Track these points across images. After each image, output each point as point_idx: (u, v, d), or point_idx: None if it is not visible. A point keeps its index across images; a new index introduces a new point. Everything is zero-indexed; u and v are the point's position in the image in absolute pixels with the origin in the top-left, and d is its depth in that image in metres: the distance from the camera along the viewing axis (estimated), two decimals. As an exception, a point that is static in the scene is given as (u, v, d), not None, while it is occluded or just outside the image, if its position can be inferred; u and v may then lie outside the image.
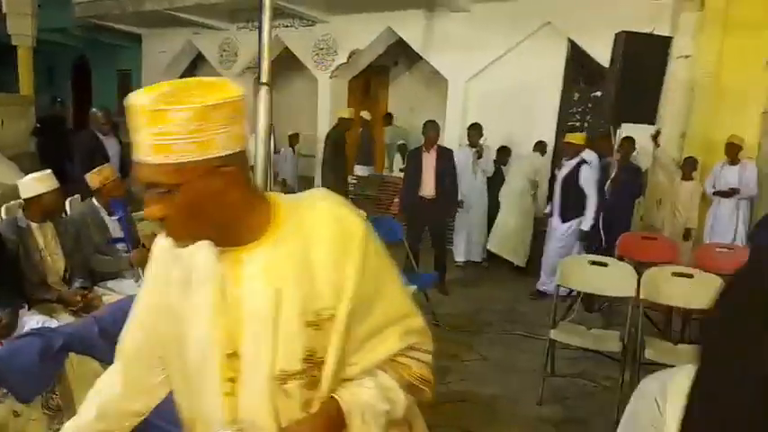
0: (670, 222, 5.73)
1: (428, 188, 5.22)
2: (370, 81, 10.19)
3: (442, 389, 3.49)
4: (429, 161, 5.23)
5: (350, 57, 8.51)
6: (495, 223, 6.17)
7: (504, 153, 6.64)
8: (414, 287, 3.97)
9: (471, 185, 6.08)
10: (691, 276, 3.21)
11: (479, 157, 6.11)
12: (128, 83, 12.19)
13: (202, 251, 0.98)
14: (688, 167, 5.59)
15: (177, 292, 1.01)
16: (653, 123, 4.67)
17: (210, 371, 0.99)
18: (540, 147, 6.39)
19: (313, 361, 0.97)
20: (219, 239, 0.96)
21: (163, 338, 1.06)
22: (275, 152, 7.69)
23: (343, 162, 7.00)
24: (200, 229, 0.92)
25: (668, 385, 1.53)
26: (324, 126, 8.52)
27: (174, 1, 8.70)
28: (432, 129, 5.20)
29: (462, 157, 6.06)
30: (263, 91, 2.91)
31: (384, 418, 1.01)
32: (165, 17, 9.22)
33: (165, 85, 0.87)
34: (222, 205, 0.90)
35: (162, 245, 1.05)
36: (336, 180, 6.80)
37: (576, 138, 5.18)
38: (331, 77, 8.79)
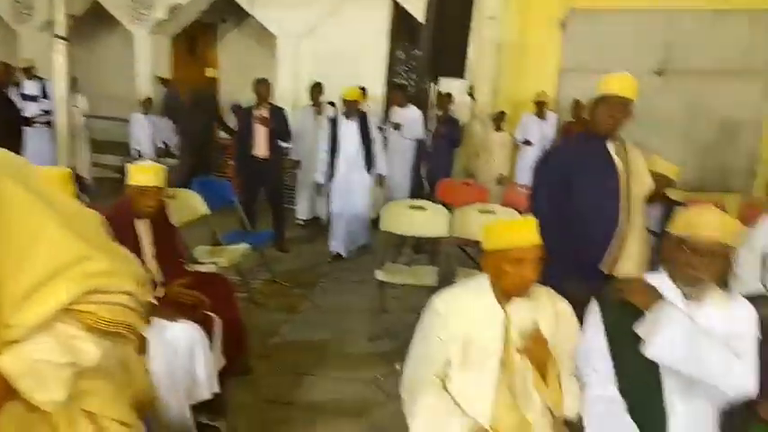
0: (486, 170, 6.37)
1: (260, 148, 5.14)
2: (197, 39, 9.60)
3: (277, 340, 3.58)
4: (261, 119, 5.15)
5: (170, 12, 7.90)
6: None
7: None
8: (246, 245, 3.95)
9: (313, 144, 6.10)
10: (493, 212, 3.65)
11: (320, 114, 6.16)
12: None
13: None
14: (498, 120, 6.23)
15: None
16: (462, 77, 5.08)
17: None
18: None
19: None
20: None
21: None
22: (91, 116, 7.01)
23: (201, 127, 6.59)
24: None
25: (451, 302, 1.78)
26: (144, 87, 7.88)
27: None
28: (262, 86, 5.10)
29: (302, 115, 6.07)
30: (60, 46, 2.62)
31: (68, 370, 0.95)
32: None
33: None
34: None
35: None
36: (192, 150, 6.47)
37: (353, 94, 5.01)
38: (151, 34, 8.10)
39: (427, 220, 3.77)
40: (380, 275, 3.58)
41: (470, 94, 6.16)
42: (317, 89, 6.05)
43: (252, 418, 2.71)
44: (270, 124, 5.08)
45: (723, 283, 1.78)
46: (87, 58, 8.45)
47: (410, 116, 6.04)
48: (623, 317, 1.64)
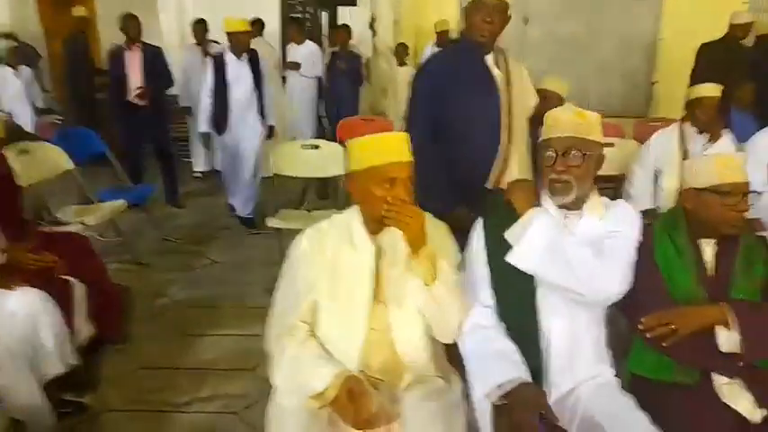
0: (393, 107, 6.12)
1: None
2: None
3: (165, 301, 3.27)
4: (134, 61, 4.58)
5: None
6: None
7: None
8: (121, 202, 3.54)
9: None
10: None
11: (207, 55, 5.60)
12: None
13: None
14: (401, 54, 5.94)
15: None
16: (354, 5, 4.73)
17: None
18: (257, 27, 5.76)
19: None
20: None
21: None
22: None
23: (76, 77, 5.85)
24: None
25: (312, 239, 1.55)
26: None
27: None
28: (129, 23, 4.50)
29: (189, 56, 5.52)
30: None
31: None
32: None
33: None
34: None
35: None
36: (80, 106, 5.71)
37: (237, 24, 4.18)
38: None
39: (322, 160, 3.51)
40: (272, 222, 3.31)
41: (371, 27, 5.81)
42: (200, 26, 5.48)
43: (127, 389, 2.43)
44: (146, 67, 4.54)
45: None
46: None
47: (308, 53, 5.65)
48: (503, 231, 1.53)
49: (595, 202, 1.56)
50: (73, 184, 3.55)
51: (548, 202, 1.55)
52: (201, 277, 3.61)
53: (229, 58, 4.24)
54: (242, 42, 4.22)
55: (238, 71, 4.25)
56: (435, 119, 2.03)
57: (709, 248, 1.63)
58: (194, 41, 5.54)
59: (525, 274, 1.49)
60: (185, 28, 6.04)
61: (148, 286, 3.38)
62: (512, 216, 1.54)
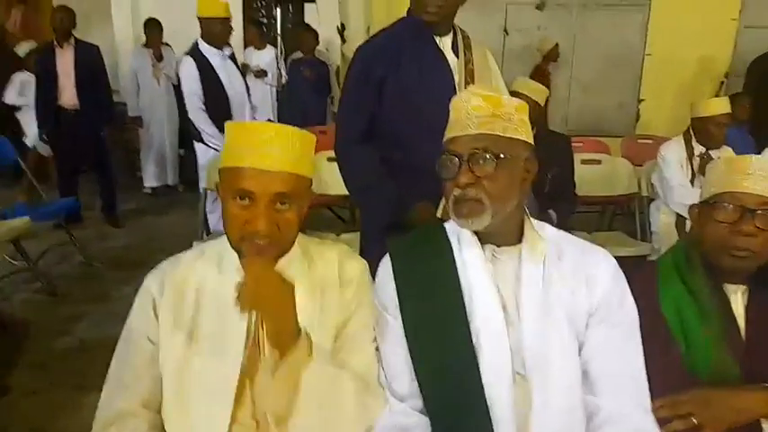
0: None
1: (68, 96, 4.09)
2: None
3: (67, 341, 2.71)
4: (65, 61, 4.08)
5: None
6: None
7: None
8: (24, 219, 3.00)
9: (154, 95, 5.11)
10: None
11: (160, 59, 5.13)
12: None
13: None
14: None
15: None
16: (313, 1, 4.30)
17: None
18: None
19: None
20: None
21: None
22: None
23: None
24: None
25: (166, 279, 1.03)
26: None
27: None
28: (59, 16, 4.00)
29: (139, 60, 5.03)
30: None
31: None
32: None
33: None
34: None
35: None
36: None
37: (217, 8, 3.25)
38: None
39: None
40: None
41: (341, 33, 5.38)
42: (154, 28, 5.01)
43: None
44: (79, 67, 4.05)
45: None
46: None
47: (270, 60, 5.17)
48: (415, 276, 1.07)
49: (533, 235, 1.06)
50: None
51: (466, 231, 1.06)
52: (119, 311, 3.05)
53: (211, 52, 3.26)
54: (223, 32, 3.29)
55: (227, 69, 3.34)
56: (371, 115, 1.57)
57: (738, 297, 1.17)
58: (142, 43, 5.07)
59: (456, 319, 1.01)
60: (140, 29, 5.57)
61: (53, 322, 2.83)
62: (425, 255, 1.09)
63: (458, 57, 1.61)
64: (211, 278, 1.05)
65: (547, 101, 2.56)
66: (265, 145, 0.94)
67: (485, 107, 1.00)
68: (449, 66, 1.58)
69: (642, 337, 1.04)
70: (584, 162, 3.09)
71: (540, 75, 5.28)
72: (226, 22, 3.30)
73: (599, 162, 3.20)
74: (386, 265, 1.10)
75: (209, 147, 3.23)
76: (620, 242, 3.01)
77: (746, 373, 1.07)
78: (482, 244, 1.05)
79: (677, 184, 2.70)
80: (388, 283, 1.08)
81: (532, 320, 0.99)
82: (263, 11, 5.80)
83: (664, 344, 1.09)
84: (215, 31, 3.24)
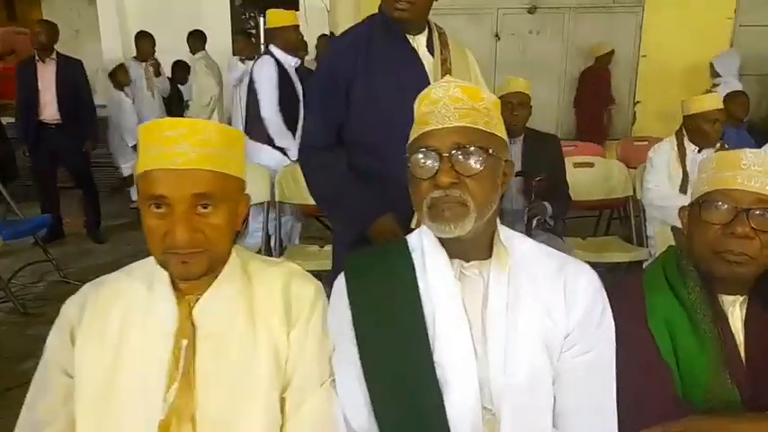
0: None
1: (49, 111, 4.00)
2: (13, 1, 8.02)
3: (31, 366, 2.57)
4: (46, 75, 3.99)
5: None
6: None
7: (181, 69, 5.67)
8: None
9: (150, 108, 5.05)
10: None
11: (157, 74, 5.08)
12: None
13: None
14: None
15: None
16: (297, 9, 4.23)
17: None
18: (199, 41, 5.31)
19: None
20: None
21: None
22: None
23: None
24: None
25: (87, 302, 0.91)
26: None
27: None
28: (41, 31, 3.93)
29: (132, 72, 4.97)
30: None
31: None
32: None
33: None
34: None
35: None
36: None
37: (287, 18, 3.32)
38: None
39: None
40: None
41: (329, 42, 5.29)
42: (145, 41, 4.97)
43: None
44: (61, 82, 3.96)
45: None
46: None
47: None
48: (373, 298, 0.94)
49: (502, 250, 0.93)
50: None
51: (432, 244, 0.93)
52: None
53: (286, 58, 3.24)
54: (297, 38, 3.40)
55: (296, 79, 3.31)
56: (337, 120, 1.45)
57: (736, 309, 1.04)
58: (134, 56, 5.02)
59: (418, 350, 0.89)
60: (129, 44, 5.51)
61: (21, 344, 2.70)
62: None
63: (433, 56, 1.49)
64: (141, 295, 0.93)
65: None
66: (175, 142, 0.81)
67: (465, 99, 0.88)
68: (423, 66, 1.46)
69: (625, 357, 0.92)
70: (576, 165, 2.98)
71: (597, 78, 5.23)
72: (297, 29, 3.39)
73: (591, 165, 3.08)
74: (339, 284, 0.98)
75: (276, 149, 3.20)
76: (616, 247, 2.88)
77: (747, 396, 0.94)
78: (450, 258, 0.92)
79: (653, 186, 2.62)
80: (342, 306, 0.95)
81: (501, 350, 0.87)
82: (251, 21, 5.73)
83: (651, 364, 0.96)
84: (291, 38, 3.30)
